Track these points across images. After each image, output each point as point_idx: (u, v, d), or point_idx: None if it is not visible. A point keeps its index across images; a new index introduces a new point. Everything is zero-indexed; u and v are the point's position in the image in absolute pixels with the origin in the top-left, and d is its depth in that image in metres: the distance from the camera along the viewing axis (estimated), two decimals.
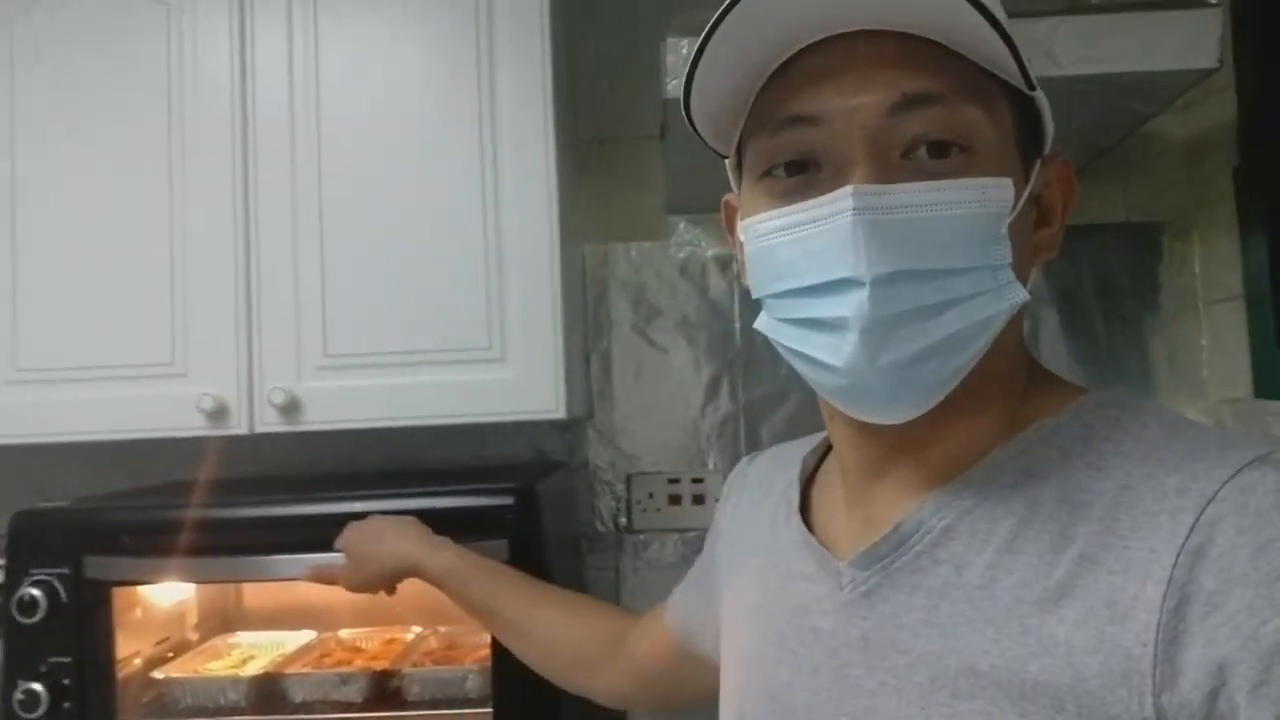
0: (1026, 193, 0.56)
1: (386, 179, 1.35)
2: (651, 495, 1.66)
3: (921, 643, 0.55)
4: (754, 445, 1.64)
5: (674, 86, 1.13)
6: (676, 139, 1.29)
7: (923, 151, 0.53)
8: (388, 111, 1.36)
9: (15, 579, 1.22)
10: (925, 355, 0.53)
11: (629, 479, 1.66)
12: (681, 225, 1.67)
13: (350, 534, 1.13)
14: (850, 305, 0.52)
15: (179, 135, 1.37)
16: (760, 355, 1.64)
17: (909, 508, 0.58)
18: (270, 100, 1.37)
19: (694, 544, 1.64)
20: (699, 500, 1.65)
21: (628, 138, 1.68)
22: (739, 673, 0.69)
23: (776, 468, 0.76)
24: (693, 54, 0.55)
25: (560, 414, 1.33)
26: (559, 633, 1.00)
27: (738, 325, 1.66)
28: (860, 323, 0.52)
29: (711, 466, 1.66)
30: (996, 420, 0.59)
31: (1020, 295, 0.55)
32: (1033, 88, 0.55)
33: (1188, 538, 0.47)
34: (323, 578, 1.13)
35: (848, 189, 0.52)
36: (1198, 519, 0.48)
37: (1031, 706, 0.49)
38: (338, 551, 1.13)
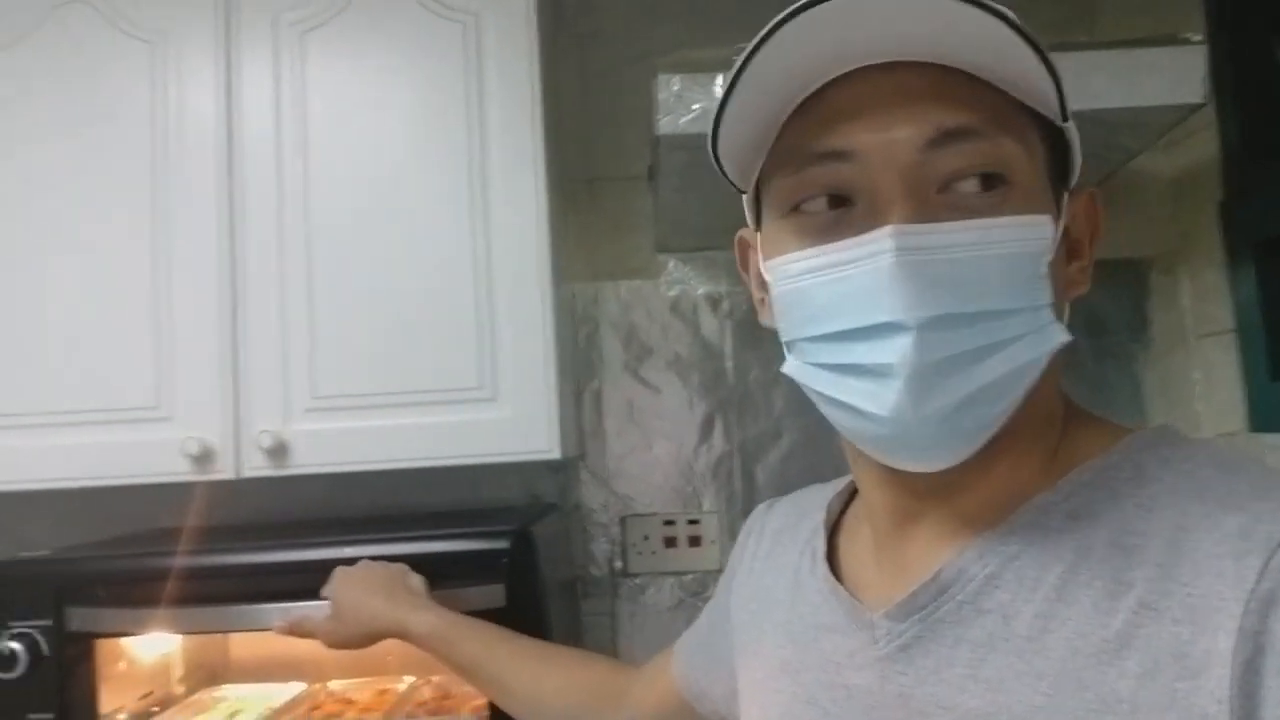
0: (1061, 228, 0.54)
1: (375, 219, 1.34)
2: (647, 538, 1.63)
3: (967, 699, 0.51)
4: (749, 484, 1.63)
5: (666, 123, 1.13)
6: (666, 180, 1.29)
7: (961, 185, 0.52)
8: (376, 152, 1.36)
9: None
10: (970, 401, 0.51)
11: (623, 521, 1.63)
12: (671, 264, 1.67)
13: (338, 582, 1.10)
14: (894, 351, 0.50)
15: (163, 175, 1.35)
16: (753, 394, 1.63)
17: (947, 555, 0.56)
18: (256, 141, 1.36)
19: (690, 587, 1.62)
20: (695, 542, 1.63)
21: (616, 178, 1.68)
22: None
23: (799, 515, 0.73)
24: (727, 85, 0.53)
25: (555, 454, 1.31)
26: (549, 688, 0.97)
27: (730, 364, 1.65)
28: (906, 369, 0.49)
29: (706, 507, 1.64)
30: (1036, 462, 0.56)
31: (1061, 336, 0.53)
32: (1066, 119, 0.54)
33: (1257, 583, 0.44)
34: (301, 631, 1.09)
35: (888, 229, 0.50)
36: (1267, 563, 0.44)
37: None
38: (324, 599, 1.09)
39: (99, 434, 1.32)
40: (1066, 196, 0.57)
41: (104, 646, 1.22)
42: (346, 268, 1.34)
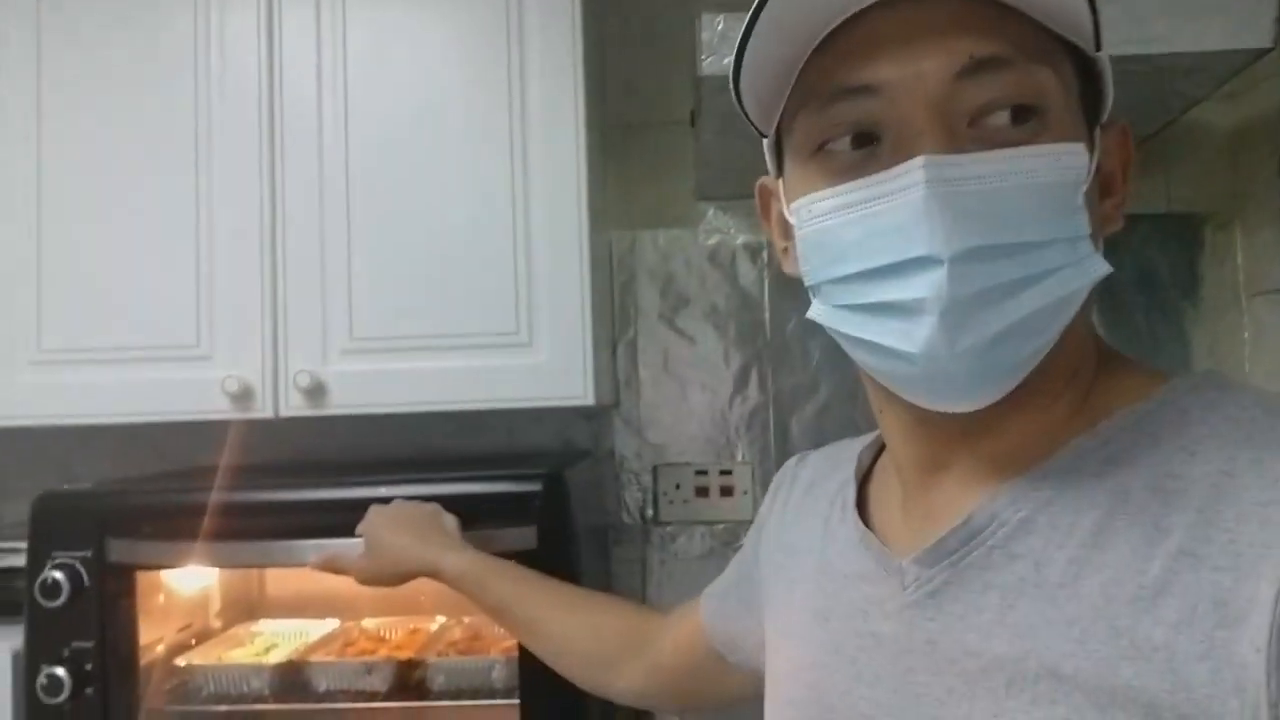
0: (1095, 160, 0.52)
1: (414, 162, 1.34)
2: (678, 487, 1.63)
3: (995, 645, 0.50)
4: (783, 437, 1.62)
5: (709, 63, 1.10)
6: (709, 122, 1.26)
7: (993, 119, 0.50)
8: (415, 95, 1.34)
9: (38, 562, 1.20)
10: (1005, 336, 0.49)
11: (655, 470, 1.63)
12: (711, 212, 1.65)
13: (373, 519, 1.09)
14: (927, 285, 0.48)
15: (205, 118, 1.35)
16: (790, 345, 1.62)
17: (978, 500, 0.54)
18: (297, 84, 1.35)
19: (721, 536, 1.62)
20: (727, 492, 1.63)
21: (657, 123, 1.65)
22: (791, 683, 0.65)
23: (830, 466, 0.72)
24: (746, 23, 0.51)
25: (589, 400, 1.30)
26: (577, 631, 0.97)
27: (767, 315, 1.63)
28: (939, 304, 0.48)
29: (740, 458, 1.63)
30: (1068, 405, 0.54)
31: (1102, 267, 0.51)
32: (1099, 48, 0.52)
33: None
34: (334, 567, 1.08)
35: (919, 160, 0.48)
36: None
37: (1121, 715, 0.45)
38: (358, 537, 1.09)
39: (142, 371, 1.34)
40: (1099, 130, 0.54)
41: (143, 579, 1.25)
42: (385, 210, 1.34)
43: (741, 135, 1.31)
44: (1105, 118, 0.56)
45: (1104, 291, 1.53)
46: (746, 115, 0.58)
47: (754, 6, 0.51)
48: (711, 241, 1.64)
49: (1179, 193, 1.57)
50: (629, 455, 1.64)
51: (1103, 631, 0.46)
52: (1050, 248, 0.49)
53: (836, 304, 0.55)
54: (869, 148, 0.52)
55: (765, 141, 0.60)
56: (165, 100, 1.36)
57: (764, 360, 1.63)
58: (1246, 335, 1.54)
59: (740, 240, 1.64)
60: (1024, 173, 0.49)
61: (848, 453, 0.71)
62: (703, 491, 1.63)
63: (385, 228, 1.33)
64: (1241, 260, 1.55)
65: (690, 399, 1.64)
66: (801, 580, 0.68)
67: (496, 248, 1.32)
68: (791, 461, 0.82)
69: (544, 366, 1.31)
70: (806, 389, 1.60)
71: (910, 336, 0.50)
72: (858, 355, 0.55)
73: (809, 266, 0.56)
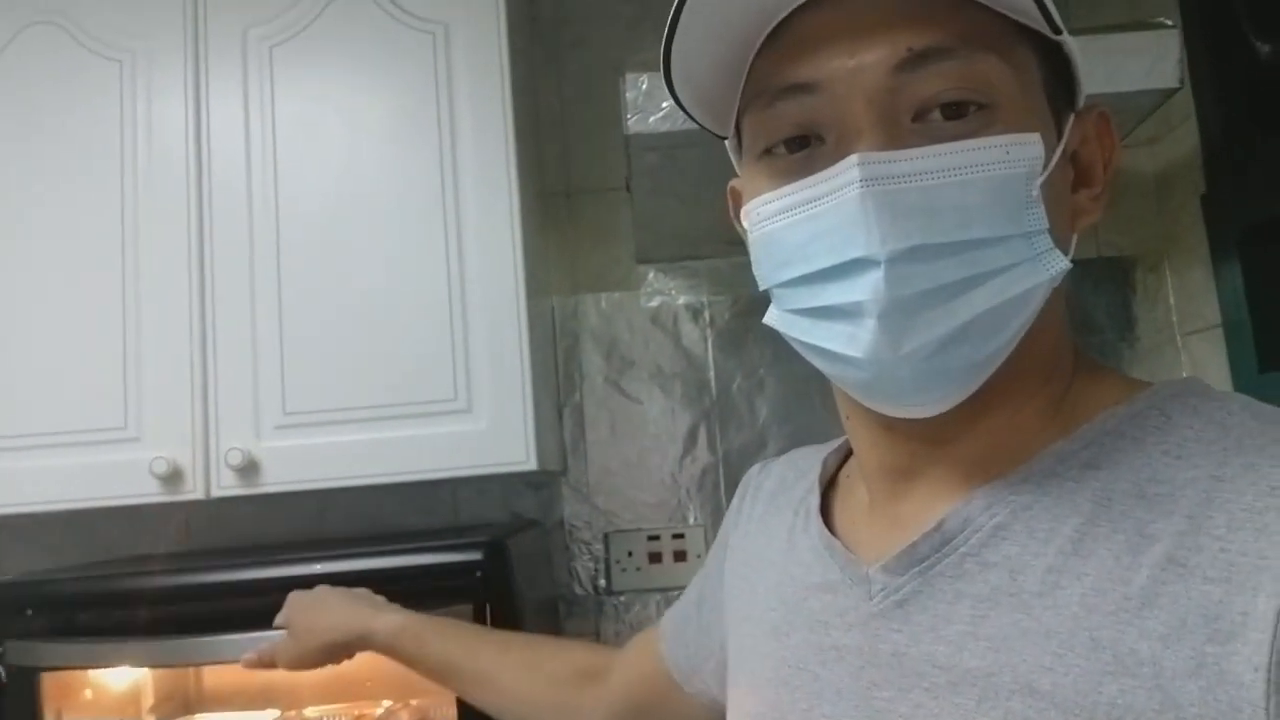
0: (1060, 149, 0.50)
1: (345, 234, 1.32)
2: (631, 554, 1.60)
3: (966, 658, 0.47)
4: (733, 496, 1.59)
5: (635, 121, 1.11)
6: (641, 182, 1.27)
7: (937, 113, 0.48)
8: (347, 167, 1.34)
9: None
10: (956, 338, 0.47)
11: (607, 537, 1.60)
12: (651, 274, 1.65)
13: (292, 606, 1.01)
14: (865, 288, 0.47)
15: (133, 193, 1.34)
16: (737, 403, 1.60)
17: (950, 506, 0.52)
18: (226, 158, 1.34)
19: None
20: (680, 556, 1.59)
21: (594, 190, 1.66)
22: (752, 699, 0.62)
23: (795, 474, 0.69)
24: (669, 21, 0.50)
25: (531, 465, 1.28)
26: (532, 681, 0.91)
27: (712, 374, 1.62)
28: (878, 307, 0.46)
29: (692, 521, 1.60)
30: (1040, 408, 0.52)
31: (1061, 264, 0.48)
32: (1058, 31, 0.50)
33: None
34: (266, 660, 1.00)
35: (853, 159, 0.47)
36: None
37: None
38: (279, 628, 1.01)
39: (68, 456, 1.30)
40: (1072, 118, 0.53)
41: (64, 676, 1.18)
42: (317, 282, 1.32)
43: (674, 194, 1.32)
44: (1080, 104, 0.54)
45: None
46: (684, 109, 0.56)
47: (674, 6, 0.50)
48: (654, 304, 1.64)
49: (1108, 237, 1.60)
50: (579, 524, 1.60)
51: (1083, 644, 0.44)
52: (1001, 244, 0.48)
53: (786, 309, 0.53)
54: (812, 148, 0.51)
55: (727, 143, 0.59)
56: (91, 178, 1.34)
57: (711, 419, 1.61)
58: (1185, 373, 1.56)
59: (682, 301, 1.64)
60: (967, 167, 0.47)
61: (812, 459, 0.68)
62: (656, 557, 1.59)
63: (317, 300, 1.31)
64: (1174, 300, 1.58)
65: (639, 462, 1.61)
66: (764, 593, 0.64)
67: (433, 316, 1.30)
68: (755, 469, 0.78)
69: (485, 433, 1.28)
70: (755, 446, 1.59)
71: (855, 340, 0.48)
72: (811, 359, 0.54)
73: (760, 271, 0.55)
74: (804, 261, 0.50)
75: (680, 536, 1.59)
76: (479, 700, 0.94)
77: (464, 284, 1.31)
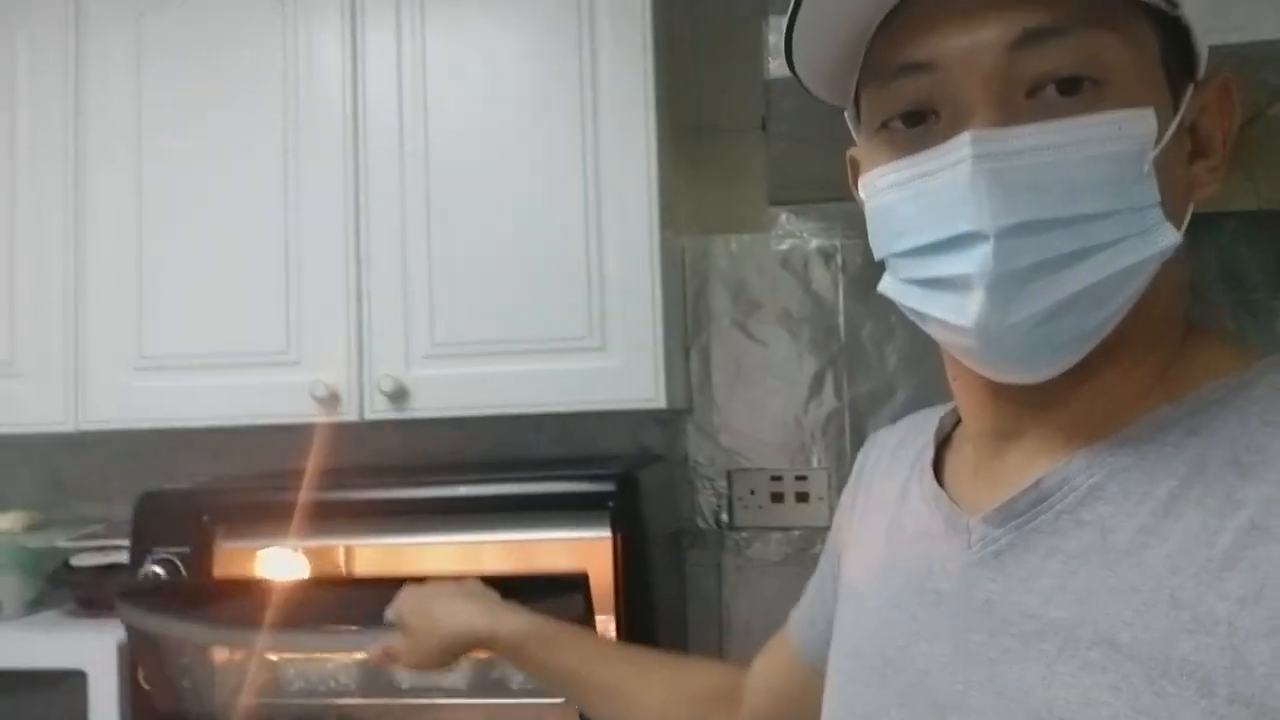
0: (1176, 122, 0.51)
1: (491, 170, 1.38)
2: (753, 492, 1.63)
3: (1052, 609, 0.50)
4: (859, 442, 1.60)
5: (777, 66, 1.11)
6: (779, 127, 1.27)
7: (1051, 90, 0.49)
8: (491, 105, 1.38)
9: (140, 557, 1.27)
10: (1063, 309, 0.49)
11: (730, 475, 1.64)
12: (783, 217, 1.65)
13: (405, 602, 0.98)
14: (974, 261, 0.49)
15: (294, 132, 1.42)
16: (866, 350, 1.60)
17: (1050, 466, 0.54)
18: (379, 95, 1.41)
19: (797, 543, 1.61)
20: (802, 498, 1.62)
21: (729, 128, 1.67)
22: (854, 635, 0.66)
23: (914, 432, 0.72)
24: (790, 6, 0.52)
25: (660, 403, 1.32)
26: (666, 697, 0.89)
27: (842, 319, 1.62)
28: (985, 279, 0.48)
29: (816, 464, 1.63)
30: (1147, 376, 0.54)
31: (1171, 238, 0.50)
32: (1175, 5, 0.50)
33: None
34: (391, 655, 0.98)
35: (965, 136, 0.48)
36: None
37: (1171, 688, 0.44)
38: (389, 623, 0.98)
39: (236, 376, 1.41)
40: (1192, 89, 0.53)
41: (240, 573, 1.31)
42: (463, 220, 1.38)
43: (812, 139, 1.32)
44: (1201, 75, 0.54)
45: (1190, 291, 1.49)
46: (803, 84, 0.59)
47: None
48: (784, 246, 1.65)
49: (1268, 189, 1.51)
50: (703, 460, 1.65)
51: (1163, 602, 0.46)
52: (1110, 219, 0.49)
53: (900, 278, 0.56)
54: (927, 123, 0.52)
55: (846, 114, 0.61)
56: (255, 113, 1.43)
57: (839, 365, 1.62)
58: None
59: (814, 244, 1.64)
60: (1078, 143, 0.48)
61: (931, 419, 0.71)
62: (778, 497, 1.63)
63: (463, 234, 1.38)
64: None
65: (764, 404, 1.64)
66: (873, 539, 0.68)
67: (570, 254, 1.35)
68: (877, 433, 0.80)
69: (616, 370, 1.33)
70: (883, 393, 1.59)
71: (963, 311, 0.50)
72: (924, 327, 0.56)
73: (875, 240, 0.57)
74: (917, 233, 0.52)
75: (803, 479, 1.62)
76: (605, 714, 0.92)
77: (601, 223, 1.35)
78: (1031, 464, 0.55)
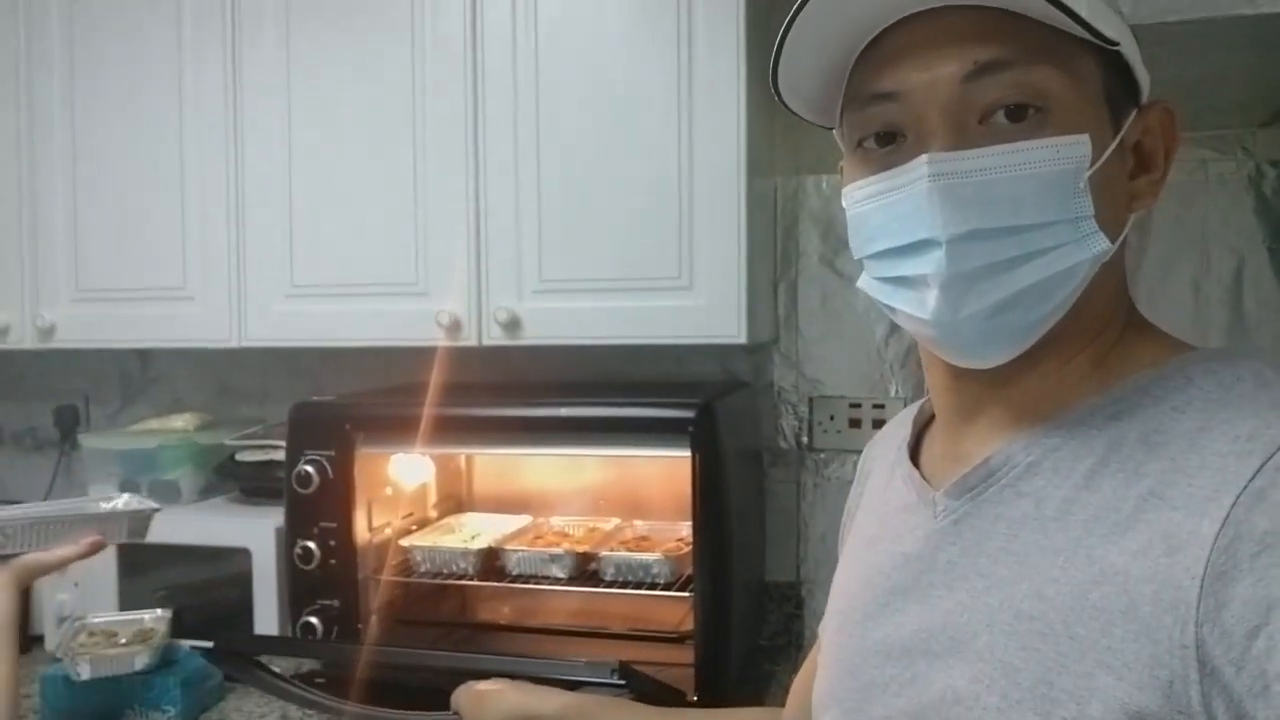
0: (1114, 144, 0.59)
1: (593, 118, 1.50)
2: (833, 417, 1.76)
3: (999, 568, 0.59)
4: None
5: None
6: None
7: (999, 116, 0.57)
8: (595, 54, 1.49)
9: (294, 458, 1.51)
10: (1008, 305, 0.58)
11: (811, 401, 1.77)
12: None
13: (463, 695, 1.04)
14: (930, 264, 0.58)
15: (420, 79, 1.56)
16: None
17: (999, 445, 0.63)
18: (497, 46, 1.53)
19: None
20: (879, 425, 1.73)
21: None
22: (840, 596, 0.76)
23: (903, 423, 0.82)
24: (782, 30, 0.59)
25: (741, 340, 1.45)
26: None
27: None
28: (940, 279, 0.58)
29: (894, 393, 1.74)
30: (1085, 364, 0.62)
31: (1101, 245, 0.58)
32: (1111, 43, 0.58)
33: (1251, 479, 0.50)
34: None
35: (923, 158, 0.57)
36: (1265, 463, 0.50)
37: (1082, 630, 0.53)
38: (453, 711, 1.04)
39: (373, 304, 1.60)
40: (1134, 113, 0.61)
41: (376, 474, 1.54)
42: (569, 166, 1.51)
43: None
44: (1144, 100, 0.63)
45: (1276, 238, 1.51)
46: (785, 104, 0.67)
47: (790, 15, 0.60)
48: None
49: None
50: (786, 386, 1.78)
51: (1080, 559, 0.55)
52: (1049, 228, 0.57)
53: (873, 276, 0.66)
54: (896, 144, 0.61)
55: (834, 132, 0.70)
56: (388, 66, 1.57)
57: None
58: None
59: None
60: (1021, 164, 0.56)
61: (913, 410, 0.81)
62: (855, 423, 1.75)
63: (568, 181, 1.51)
64: None
65: (847, 336, 1.75)
66: (864, 515, 0.80)
67: (663, 197, 1.47)
68: (878, 434, 0.89)
69: (702, 309, 1.46)
70: None
71: (923, 305, 0.60)
72: (894, 318, 0.66)
73: (853, 243, 0.67)
74: (885, 239, 0.61)
75: (880, 407, 1.74)
76: None
77: (692, 166, 1.46)
78: (985, 444, 0.66)
